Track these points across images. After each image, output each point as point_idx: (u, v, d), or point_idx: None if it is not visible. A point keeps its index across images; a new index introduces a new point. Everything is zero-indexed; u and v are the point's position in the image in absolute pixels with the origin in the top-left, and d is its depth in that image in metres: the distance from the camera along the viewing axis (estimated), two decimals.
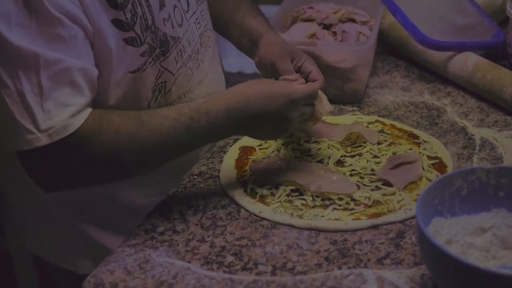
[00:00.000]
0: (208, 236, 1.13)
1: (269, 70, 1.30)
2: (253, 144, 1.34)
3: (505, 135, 1.34)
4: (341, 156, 1.29)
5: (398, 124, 1.39)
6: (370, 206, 1.16)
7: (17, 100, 1.04)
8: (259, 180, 1.23)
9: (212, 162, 1.32)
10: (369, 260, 1.06)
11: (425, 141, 1.32)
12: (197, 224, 1.16)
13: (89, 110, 1.09)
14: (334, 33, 1.54)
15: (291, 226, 1.14)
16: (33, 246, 1.47)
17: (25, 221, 1.43)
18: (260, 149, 1.33)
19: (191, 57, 1.31)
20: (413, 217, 1.13)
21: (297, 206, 1.17)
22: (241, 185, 1.24)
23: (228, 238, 1.12)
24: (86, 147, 1.07)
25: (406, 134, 1.35)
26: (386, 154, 1.29)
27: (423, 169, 1.24)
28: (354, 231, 1.12)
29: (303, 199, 1.19)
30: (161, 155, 1.16)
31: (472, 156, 1.28)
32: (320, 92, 1.23)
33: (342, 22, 1.58)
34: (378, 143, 1.32)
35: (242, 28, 1.40)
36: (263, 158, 1.30)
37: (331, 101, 1.48)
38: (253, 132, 1.20)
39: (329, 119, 1.41)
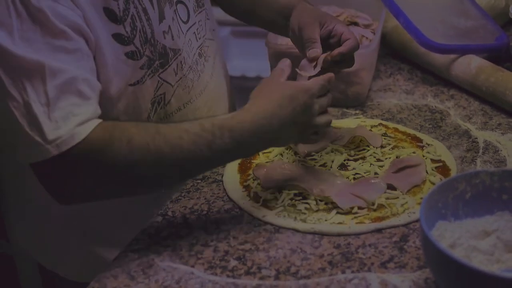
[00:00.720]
0: (212, 241, 1.13)
1: (298, 40, 1.28)
2: None
3: (508, 137, 1.34)
4: (345, 160, 1.29)
5: (401, 127, 1.39)
6: (373, 210, 1.16)
7: (24, 112, 1.02)
8: (263, 184, 1.23)
9: None
10: (372, 264, 1.06)
11: (428, 144, 1.32)
12: (200, 229, 1.16)
13: (98, 120, 1.06)
14: None
15: (295, 230, 1.14)
16: (34, 252, 1.47)
17: (26, 226, 1.44)
18: (263, 153, 1.33)
19: (191, 68, 1.30)
20: (417, 221, 1.13)
21: (300, 210, 1.17)
22: (244, 189, 1.24)
23: (231, 243, 1.12)
24: (97, 156, 1.04)
25: (410, 138, 1.35)
26: (390, 158, 1.29)
27: (427, 172, 1.24)
28: (357, 234, 1.12)
29: (307, 203, 1.18)
30: (178, 171, 1.10)
31: (476, 159, 1.28)
32: None
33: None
34: (382, 147, 1.32)
35: (274, 7, 1.37)
36: (266, 162, 1.30)
37: (335, 104, 1.48)
38: (281, 141, 1.16)
39: (332, 122, 1.40)
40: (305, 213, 1.16)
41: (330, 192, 1.19)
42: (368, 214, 1.15)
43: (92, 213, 1.30)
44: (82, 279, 1.29)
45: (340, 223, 1.14)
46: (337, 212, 1.16)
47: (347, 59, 1.26)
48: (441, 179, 1.21)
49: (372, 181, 1.21)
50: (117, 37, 1.14)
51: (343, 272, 1.05)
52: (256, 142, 1.11)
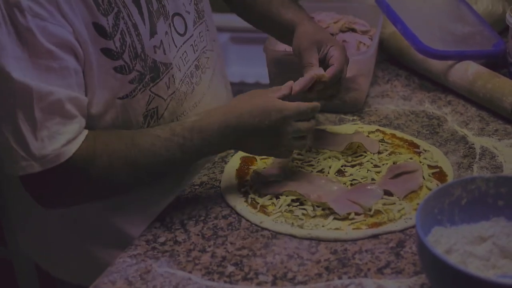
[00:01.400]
0: (209, 246, 1.14)
1: (299, 61, 1.33)
2: None
3: (505, 144, 1.34)
4: (342, 166, 1.29)
5: (398, 133, 1.39)
6: (370, 216, 1.16)
7: (11, 129, 1.07)
8: (260, 190, 1.24)
9: (213, 172, 1.32)
10: (369, 269, 1.06)
11: (425, 150, 1.33)
12: (198, 234, 1.16)
13: (83, 135, 1.11)
14: None
15: (292, 236, 1.14)
16: (34, 254, 1.48)
17: (27, 229, 1.44)
18: (261, 159, 1.34)
19: (184, 81, 1.30)
20: (413, 226, 1.13)
21: (297, 216, 1.18)
22: (242, 195, 1.24)
23: (229, 248, 1.13)
24: (80, 172, 1.11)
25: (407, 143, 1.36)
26: (387, 164, 1.29)
27: (424, 178, 1.24)
28: (354, 240, 1.13)
29: (304, 209, 1.19)
30: (155, 174, 1.20)
31: (472, 165, 1.29)
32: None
33: (343, 31, 1.59)
34: (379, 153, 1.32)
35: (279, 22, 1.41)
36: (264, 168, 1.30)
37: (332, 110, 1.49)
38: (247, 148, 1.23)
39: (329, 128, 1.41)
40: (302, 219, 1.17)
41: (327, 198, 1.19)
42: (365, 220, 1.16)
43: (91, 216, 1.31)
44: (81, 282, 1.30)
45: (337, 229, 1.14)
46: (334, 218, 1.16)
47: (331, 85, 1.28)
48: (437, 185, 1.21)
49: (369, 187, 1.22)
50: (106, 52, 1.14)
51: (340, 277, 1.05)
52: (223, 142, 1.18)
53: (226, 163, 1.34)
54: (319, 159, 1.31)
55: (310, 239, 1.13)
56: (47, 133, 1.07)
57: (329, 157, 1.32)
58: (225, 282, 1.06)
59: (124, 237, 1.29)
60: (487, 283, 0.89)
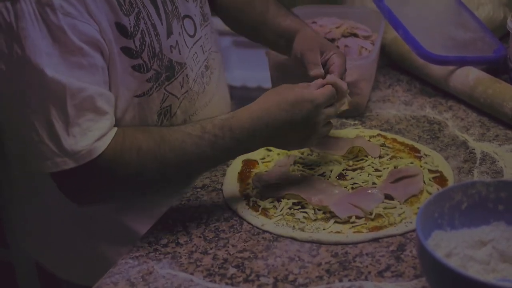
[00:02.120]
0: (211, 248, 1.14)
1: (299, 63, 1.33)
2: (255, 157, 1.35)
3: (505, 149, 1.35)
4: (343, 170, 1.30)
5: (399, 138, 1.40)
6: (371, 219, 1.17)
7: (45, 125, 1.08)
8: (262, 193, 1.24)
9: (215, 175, 1.33)
10: (369, 272, 1.07)
11: (426, 155, 1.33)
12: (200, 237, 1.17)
13: (113, 131, 1.12)
14: (337, 47, 1.55)
15: (293, 238, 1.15)
16: (37, 254, 1.49)
17: (29, 228, 1.45)
18: (263, 162, 1.34)
19: (196, 81, 1.33)
20: (414, 230, 1.14)
21: (299, 219, 1.18)
22: (243, 198, 1.25)
23: (230, 251, 1.14)
24: (111, 167, 1.11)
25: (408, 148, 1.36)
26: (388, 168, 1.30)
27: (424, 182, 1.25)
28: (355, 243, 1.13)
29: (305, 212, 1.20)
30: (184, 172, 1.18)
31: (473, 170, 1.29)
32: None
33: (345, 36, 1.59)
34: (380, 157, 1.33)
35: (276, 30, 1.42)
36: (266, 171, 1.31)
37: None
38: (280, 143, 1.21)
39: (331, 132, 1.42)
40: (303, 222, 1.17)
41: (328, 201, 1.20)
42: (366, 224, 1.16)
43: (98, 215, 1.32)
44: (85, 282, 1.31)
45: (338, 232, 1.15)
46: (335, 221, 1.17)
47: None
48: (438, 189, 1.22)
49: (370, 191, 1.23)
50: (126, 51, 1.16)
51: (341, 280, 1.06)
52: (254, 139, 1.17)
53: (228, 166, 1.34)
54: (320, 163, 1.32)
55: (311, 242, 1.14)
56: (79, 129, 1.08)
57: (331, 161, 1.32)
58: (226, 284, 1.07)
59: (131, 235, 1.30)
60: (487, 287, 0.89)
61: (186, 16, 1.31)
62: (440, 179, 1.26)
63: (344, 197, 1.21)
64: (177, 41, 1.25)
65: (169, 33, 1.24)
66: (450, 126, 1.45)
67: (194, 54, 1.32)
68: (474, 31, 1.65)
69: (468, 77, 1.50)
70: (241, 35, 1.54)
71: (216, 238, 1.17)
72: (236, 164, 1.34)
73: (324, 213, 1.19)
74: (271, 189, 1.25)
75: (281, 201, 1.22)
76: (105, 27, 1.12)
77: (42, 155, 1.09)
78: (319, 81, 1.21)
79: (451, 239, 1.03)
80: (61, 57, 1.06)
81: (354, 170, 1.31)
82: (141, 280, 1.09)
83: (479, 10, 1.74)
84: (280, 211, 1.20)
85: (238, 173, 1.31)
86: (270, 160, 1.35)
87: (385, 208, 1.19)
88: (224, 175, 1.32)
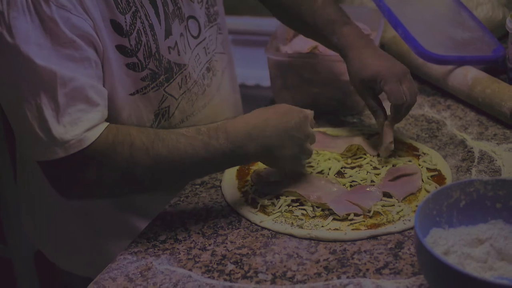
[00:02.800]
0: (209, 245, 1.15)
1: (367, 86, 1.32)
2: None
3: (503, 148, 1.35)
4: (342, 168, 1.31)
5: (398, 136, 1.40)
6: (369, 217, 1.17)
7: (36, 114, 1.07)
8: (260, 190, 1.25)
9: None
10: (368, 269, 1.07)
11: (424, 154, 1.34)
12: (198, 233, 1.18)
13: (105, 124, 1.11)
14: None
15: (291, 235, 1.15)
16: (41, 245, 1.49)
17: (33, 218, 1.46)
18: None
19: (196, 82, 1.33)
20: (412, 228, 1.14)
21: (297, 216, 1.19)
22: (242, 195, 1.25)
23: (229, 247, 1.14)
24: (101, 159, 1.10)
25: (406, 147, 1.37)
26: (386, 166, 1.30)
27: (422, 181, 1.25)
28: (353, 241, 1.14)
29: (304, 209, 1.20)
30: (176, 172, 1.16)
31: (471, 169, 1.30)
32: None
33: None
34: (378, 155, 1.33)
35: (322, 19, 1.37)
36: (264, 168, 1.31)
37: (333, 112, 1.50)
38: (276, 150, 1.18)
39: (330, 131, 1.42)
40: (302, 219, 1.18)
41: (326, 199, 1.20)
42: (364, 221, 1.17)
43: (100, 207, 1.33)
44: (84, 273, 1.32)
45: (336, 229, 1.15)
46: (334, 219, 1.18)
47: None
48: (436, 188, 1.22)
49: (368, 189, 1.23)
50: (120, 49, 1.16)
51: (339, 277, 1.06)
52: (250, 144, 1.15)
53: None
54: (319, 161, 1.32)
55: (310, 239, 1.14)
56: (70, 118, 1.07)
57: (329, 159, 1.33)
58: (225, 280, 1.07)
59: (131, 229, 1.31)
60: (484, 285, 0.90)
61: (191, 17, 1.31)
62: (438, 178, 1.27)
63: (342, 195, 1.22)
64: (176, 42, 1.25)
65: (168, 34, 1.24)
66: (449, 125, 1.45)
67: (196, 56, 1.32)
68: (473, 30, 1.66)
69: (467, 77, 1.51)
70: (293, 29, 1.54)
71: (215, 235, 1.17)
72: None
73: (322, 210, 1.19)
74: (269, 186, 1.25)
75: (279, 198, 1.22)
76: (100, 24, 1.12)
77: (33, 143, 1.09)
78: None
79: (449, 237, 1.03)
80: (53, 49, 1.06)
81: (352, 168, 1.31)
82: (140, 276, 1.09)
83: (478, 9, 1.74)
84: (279, 208, 1.21)
85: (237, 170, 1.32)
86: None
87: (383, 206, 1.20)
88: (223, 172, 1.32)
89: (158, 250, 1.14)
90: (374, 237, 1.14)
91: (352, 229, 1.15)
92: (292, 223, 1.17)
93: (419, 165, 1.30)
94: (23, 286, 2.07)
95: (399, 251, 1.11)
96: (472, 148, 1.36)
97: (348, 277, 1.06)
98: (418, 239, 0.95)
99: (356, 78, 1.32)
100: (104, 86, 1.14)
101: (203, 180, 1.31)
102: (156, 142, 1.12)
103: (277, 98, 1.54)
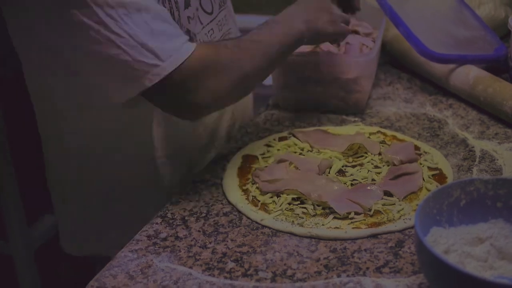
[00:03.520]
0: (210, 243, 1.15)
1: None
2: (255, 152, 1.35)
3: (505, 147, 1.35)
4: (343, 166, 1.31)
5: (399, 135, 1.40)
6: (370, 216, 1.17)
7: (133, 43, 1.11)
8: (261, 188, 1.25)
9: (215, 170, 1.33)
10: (368, 268, 1.08)
11: (426, 152, 1.34)
12: (199, 231, 1.18)
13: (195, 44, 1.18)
14: (338, 45, 1.56)
15: (292, 234, 1.15)
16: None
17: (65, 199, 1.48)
18: (263, 157, 1.35)
19: None
20: (412, 227, 1.14)
21: (298, 214, 1.19)
22: (243, 193, 1.25)
23: (229, 245, 1.14)
24: (209, 62, 1.17)
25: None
26: (387, 165, 1.30)
27: (423, 180, 1.25)
28: (353, 239, 1.14)
29: (304, 207, 1.20)
30: (269, 56, 1.26)
31: (472, 168, 1.30)
32: None
33: None
34: (379, 154, 1.33)
35: None
36: (265, 166, 1.31)
37: (334, 111, 1.50)
38: (313, 25, 1.32)
39: (331, 129, 1.42)
40: (302, 218, 1.18)
41: (327, 197, 1.20)
42: (365, 220, 1.17)
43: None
44: (83, 253, 1.34)
45: (336, 227, 1.15)
46: (334, 217, 1.18)
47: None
48: (437, 187, 1.22)
49: (369, 187, 1.23)
50: None
51: (339, 276, 1.06)
52: (293, 16, 1.31)
53: (228, 161, 1.35)
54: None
55: (310, 237, 1.14)
56: (165, 36, 1.14)
57: (330, 157, 1.33)
58: (225, 278, 1.07)
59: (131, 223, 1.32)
60: (485, 284, 0.90)
61: None
62: (440, 177, 1.27)
63: (343, 193, 1.22)
64: (194, 13, 1.30)
65: (187, 4, 1.28)
66: (450, 124, 1.45)
67: (209, 31, 1.36)
68: (475, 29, 1.66)
69: (468, 76, 1.51)
70: None
71: (215, 233, 1.17)
72: (236, 159, 1.34)
73: (323, 208, 1.19)
74: (270, 184, 1.25)
75: (280, 196, 1.22)
76: None
77: (137, 75, 1.13)
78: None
79: (449, 236, 1.03)
80: None
81: (353, 166, 1.31)
82: (140, 273, 1.09)
83: (480, 8, 1.74)
84: (280, 206, 1.21)
85: (238, 168, 1.32)
86: (269, 155, 1.35)
87: (384, 204, 1.20)
88: (224, 169, 1.32)
89: (158, 247, 1.14)
90: (374, 235, 1.14)
91: (353, 228, 1.15)
92: (292, 221, 1.17)
93: (420, 164, 1.30)
94: (24, 283, 2.08)
95: (399, 250, 1.11)
96: (473, 147, 1.36)
97: (348, 276, 1.06)
98: (418, 238, 0.95)
99: None
100: None
101: (204, 178, 1.31)
102: (244, 38, 1.24)
103: (278, 97, 1.54)
